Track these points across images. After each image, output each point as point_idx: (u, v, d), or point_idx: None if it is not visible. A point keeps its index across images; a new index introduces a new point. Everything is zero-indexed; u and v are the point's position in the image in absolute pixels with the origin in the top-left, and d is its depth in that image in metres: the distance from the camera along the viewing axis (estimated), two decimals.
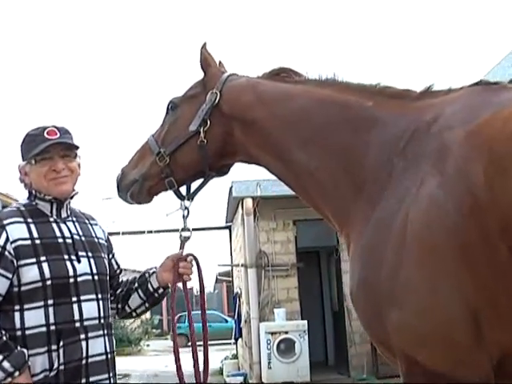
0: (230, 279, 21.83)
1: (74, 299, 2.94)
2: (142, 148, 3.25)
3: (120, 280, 3.48)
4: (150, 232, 19.47)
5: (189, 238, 3.29)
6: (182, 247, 3.32)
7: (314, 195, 2.84)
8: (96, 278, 3.08)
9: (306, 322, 14.14)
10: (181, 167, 3.13)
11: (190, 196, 3.27)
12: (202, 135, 3.02)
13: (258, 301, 15.11)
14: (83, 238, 3.14)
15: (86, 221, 3.30)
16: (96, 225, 3.35)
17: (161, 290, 3.35)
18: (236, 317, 16.97)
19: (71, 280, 2.94)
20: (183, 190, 3.29)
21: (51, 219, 3.08)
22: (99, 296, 3.07)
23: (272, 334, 13.89)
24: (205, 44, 3.20)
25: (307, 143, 2.80)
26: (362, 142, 2.63)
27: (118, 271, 3.48)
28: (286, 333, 13.94)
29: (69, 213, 3.18)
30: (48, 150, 3.04)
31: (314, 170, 2.77)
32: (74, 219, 3.20)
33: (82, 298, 2.97)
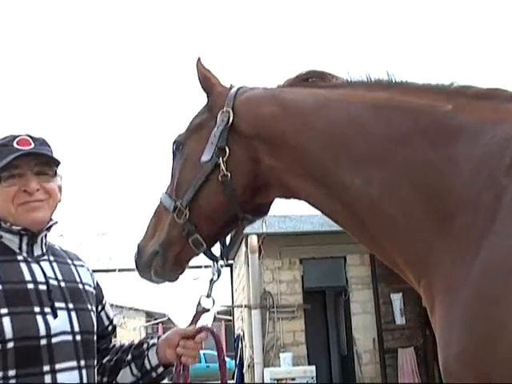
0: (229, 318, 21.35)
1: (46, 368, 2.18)
2: (155, 212, 2.63)
3: (111, 343, 2.74)
4: None
5: (208, 310, 2.59)
6: (194, 321, 2.59)
7: (377, 233, 2.14)
8: (78, 338, 2.36)
9: (313, 367, 13.61)
10: (205, 217, 2.46)
11: (225, 253, 2.60)
12: (223, 167, 2.36)
13: (263, 344, 14.58)
14: (63, 284, 2.42)
15: (69, 261, 2.60)
16: (82, 267, 2.65)
17: (160, 370, 2.60)
18: (238, 361, 16.28)
19: (43, 342, 2.21)
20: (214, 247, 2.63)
21: (20, 257, 2.34)
22: (82, 363, 2.34)
23: (278, 380, 13.13)
24: (199, 59, 2.59)
25: (362, 163, 2.14)
26: (443, 158, 1.99)
27: (110, 329, 2.76)
28: (293, 379, 13.33)
29: (44, 249, 2.45)
30: (18, 163, 2.33)
31: (375, 200, 2.09)
32: (52, 258, 2.49)
33: (58, 366, 2.23)
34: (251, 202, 2.46)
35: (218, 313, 31.68)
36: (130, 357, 2.61)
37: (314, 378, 13.27)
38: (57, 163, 2.45)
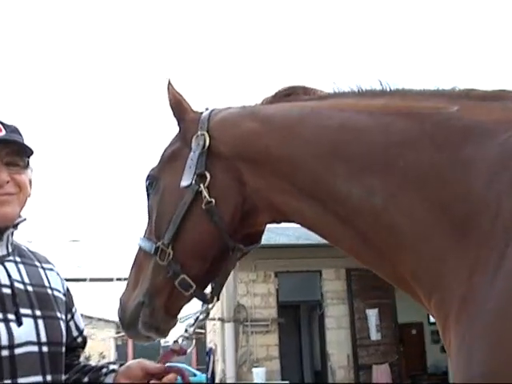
0: (201, 330, 21.06)
1: (8, 383, 1.94)
2: (135, 261, 2.36)
3: (78, 359, 2.49)
4: (120, 280, 18.19)
5: (185, 353, 2.33)
6: (163, 359, 2.30)
7: (382, 247, 1.91)
8: (45, 349, 2.12)
9: (287, 382, 13.21)
10: (192, 254, 2.21)
11: (216, 292, 2.28)
12: (206, 193, 2.15)
13: (235, 358, 14.34)
14: (30, 288, 2.18)
15: (37, 263, 2.34)
16: (51, 270, 2.39)
17: None
18: (210, 375, 16.03)
19: (5, 352, 1.98)
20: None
21: None
22: (48, 378, 2.09)
23: None
24: (169, 81, 2.37)
25: (361, 172, 1.94)
26: (453, 161, 1.81)
27: (79, 341, 2.49)
28: None
29: (10, 249, 2.22)
30: None
31: (379, 210, 1.88)
32: (18, 259, 2.25)
33: (21, 381, 1.98)
34: (241, 231, 2.23)
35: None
36: (86, 379, 2.35)
37: None
38: (29, 153, 2.21)
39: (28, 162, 2.23)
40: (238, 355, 14.37)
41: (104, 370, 2.34)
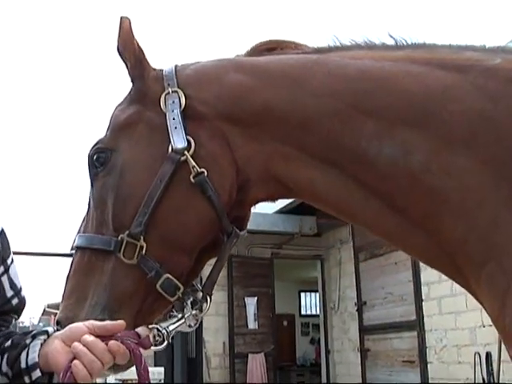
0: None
1: None
2: (76, 267, 1.80)
3: (11, 323, 1.92)
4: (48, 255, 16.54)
5: (147, 346, 1.64)
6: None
7: (419, 215, 1.65)
8: None
9: (162, 369, 12.97)
10: (175, 245, 1.76)
11: (209, 290, 1.88)
12: (192, 162, 1.73)
13: None
14: None
15: None
16: None
17: (35, 374, 1.66)
18: None
19: None
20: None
21: None
22: None
23: (123, 381, 12.22)
24: (128, 21, 1.84)
25: (395, 127, 1.65)
26: (506, 112, 1.59)
27: (14, 303, 1.94)
28: None
29: None
30: None
31: (418, 172, 1.62)
32: None
33: None
34: (231, 214, 1.84)
35: (49, 306, 30.15)
36: (8, 343, 1.76)
37: (162, 380, 12.56)
38: None
39: None
40: None
41: (27, 340, 1.72)
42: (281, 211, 15.07)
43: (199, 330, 14.89)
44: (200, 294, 1.82)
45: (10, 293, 1.91)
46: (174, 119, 1.76)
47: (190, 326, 1.77)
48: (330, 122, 1.69)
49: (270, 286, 15.39)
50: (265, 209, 15.86)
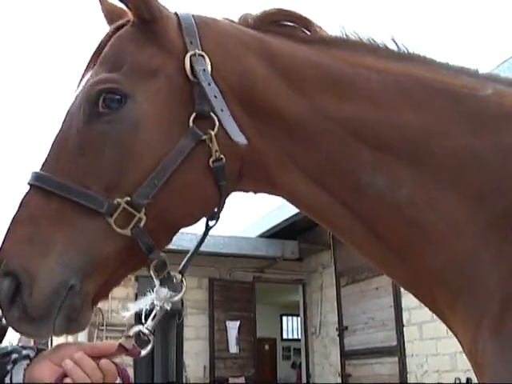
0: None
1: None
2: (38, 207, 1.57)
3: None
4: None
5: (138, 353, 1.67)
6: (108, 355, 1.61)
7: (401, 244, 1.68)
8: None
9: None
10: (172, 226, 1.70)
11: (183, 269, 1.77)
12: (216, 146, 1.62)
13: None
14: None
15: None
16: None
17: None
18: None
19: None
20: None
21: None
22: None
23: None
24: None
25: (391, 159, 1.68)
26: (496, 151, 1.64)
27: None
28: None
29: None
30: None
31: (404, 204, 1.66)
32: None
33: None
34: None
35: None
36: None
37: None
38: None
39: None
40: None
41: (13, 356, 1.66)
42: (263, 235, 15.09)
43: (179, 354, 14.85)
44: (178, 276, 1.71)
45: None
46: (216, 97, 1.61)
47: (166, 310, 1.70)
48: (329, 145, 1.69)
49: (252, 309, 15.34)
50: (247, 233, 15.89)
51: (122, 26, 1.75)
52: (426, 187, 1.63)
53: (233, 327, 14.88)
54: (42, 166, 1.62)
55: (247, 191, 1.85)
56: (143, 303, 1.70)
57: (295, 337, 22.24)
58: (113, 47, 1.71)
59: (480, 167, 1.60)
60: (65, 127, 1.66)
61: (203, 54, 1.66)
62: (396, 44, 1.79)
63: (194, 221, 1.73)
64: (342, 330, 14.11)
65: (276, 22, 1.83)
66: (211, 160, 1.61)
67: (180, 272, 1.73)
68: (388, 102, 1.69)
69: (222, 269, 15.16)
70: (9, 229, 1.55)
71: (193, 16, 1.75)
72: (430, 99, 1.69)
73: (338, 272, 14.32)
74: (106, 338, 13.81)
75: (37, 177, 1.58)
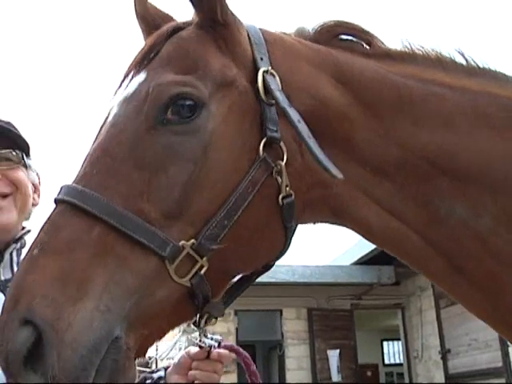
0: (145, 369, 20.30)
1: None
2: (76, 235, 1.24)
3: None
4: None
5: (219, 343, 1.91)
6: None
7: (486, 279, 1.56)
8: None
9: None
10: (234, 269, 1.50)
11: (227, 305, 1.58)
12: (286, 180, 1.44)
13: None
14: None
15: None
16: None
17: None
18: None
19: None
20: None
21: None
22: None
23: None
24: None
25: (472, 188, 1.56)
26: None
27: None
28: None
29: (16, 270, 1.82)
30: None
31: (486, 235, 1.54)
32: None
33: None
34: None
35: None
36: None
37: None
38: (25, 147, 1.84)
39: (23, 156, 1.85)
40: None
41: (148, 382, 2.07)
42: (358, 262, 15.05)
43: None
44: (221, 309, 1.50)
45: None
46: (299, 122, 1.42)
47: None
48: (405, 173, 1.58)
49: (352, 337, 15.23)
50: (342, 261, 15.89)
51: (179, 28, 1.55)
52: (509, 216, 1.52)
53: (334, 355, 14.82)
54: (81, 178, 1.32)
55: (305, 223, 1.66)
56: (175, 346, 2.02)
57: (397, 361, 21.92)
58: (180, 48, 1.48)
59: None
60: (113, 132, 1.38)
61: (274, 72, 1.48)
62: (464, 57, 1.67)
63: (254, 268, 1.56)
64: (444, 352, 13.85)
65: (338, 35, 1.69)
66: (281, 196, 1.43)
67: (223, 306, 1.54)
68: (465, 125, 1.58)
69: (319, 298, 15.18)
70: (32, 256, 1.21)
71: (260, 29, 1.60)
72: (506, 121, 1.58)
73: (436, 294, 14.06)
74: None
75: (75, 193, 1.27)
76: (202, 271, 1.31)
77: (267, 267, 1.65)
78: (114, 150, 1.32)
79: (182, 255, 1.28)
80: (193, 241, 1.30)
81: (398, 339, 17.61)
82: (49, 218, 1.27)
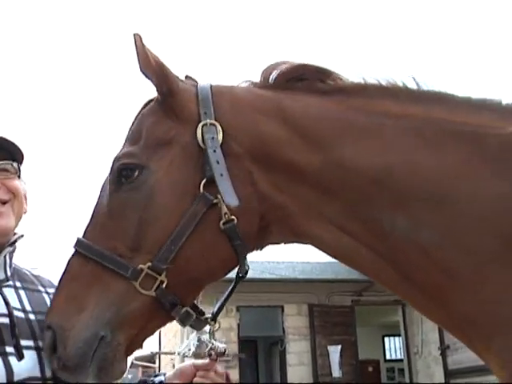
0: (150, 364, 20.47)
1: None
2: (77, 270, 1.78)
3: None
4: None
5: (224, 351, 2.17)
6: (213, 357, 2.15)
7: (431, 287, 1.68)
8: None
9: None
10: (194, 284, 1.81)
11: (216, 315, 1.92)
12: (225, 207, 1.71)
13: None
14: (32, 317, 1.95)
15: (41, 288, 2.11)
16: None
17: None
18: None
19: None
20: None
21: None
22: None
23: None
24: (139, 37, 1.78)
25: (411, 203, 1.68)
26: None
27: None
28: None
29: (9, 273, 1.99)
30: None
31: (429, 248, 1.65)
32: (18, 284, 2.02)
33: None
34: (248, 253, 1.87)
35: (136, 359, 30.42)
36: None
37: None
38: (20, 158, 2.00)
39: (19, 168, 2.00)
40: None
41: None
42: None
43: (284, 380, 15.02)
44: (204, 319, 1.86)
45: None
46: (218, 163, 1.72)
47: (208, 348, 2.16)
48: (350, 193, 1.72)
49: (353, 333, 15.39)
50: None
51: (149, 102, 1.91)
52: (451, 230, 1.62)
53: (334, 351, 14.96)
54: (83, 231, 1.83)
55: (277, 243, 1.91)
56: (188, 344, 2.22)
57: (399, 357, 22.04)
58: (137, 123, 1.88)
59: (506, 213, 1.59)
60: (100, 196, 1.86)
61: (215, 123, 1.76)
62: (416, 82, 1.78)
63: (217, 277, 1.81)
64: (443, 348, 13.99)
65: (294, 78, 1.87)
66: (221, 222, 1.69)
67: (212, 319, 1.89)
68: (404, 147, 1.70)
69: (320, 294, 15.32)
70: (57, 287, 1.80)
71: (211, 86, 1.86)
72: (448, 143, 1.68)
73: None
74: None
75: (79, 243, 1.79)
76: (164, 285, 1.70)
77: (240, 276, 1.89)
78: (98, 209, 1.84)
79: (142, 274, 1.68)
80: (149, 263, 1.68)
81: (399, 335, 17.73)
82: (68, 260, 1.81)
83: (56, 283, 1.84)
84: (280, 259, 15.37)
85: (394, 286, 1.74)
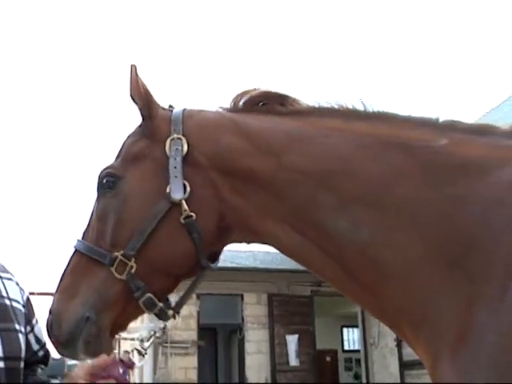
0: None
1: None
2: (73, 266, 2.08)
3: (39, 369, 2.36)
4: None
5: (132, 365, 2.29)
6: (107, 367, 2.36)
7: (368, 282, 1.86)
8: (1, 365, 2.03)
9: None
10: (159, 270, 2.02)
11: (178, 308, 2.07)
12: (185, 206, 1.95)
13: (153, 380, 14.03)
14: None
15: None
16: (10, 280, 2.29)
17: None
18: None
19: None
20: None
21: None
22: None
23: None
24: (134, 67, 2.10)
25: (351, 205, 1.87)
26: (447, 198, 1.80)
27: (40, 355, 2.37)
28: None
29: None
30: None
31: (366, 246, 1.83)
32: None
33: None
34: (209, 249, 2.05)
35: None
36: None
37: None
38: None
39: None
40: (156, 376, 14.09)
41: None
42: None
43: (242, 368, 15.17)
44: (171, 312, 2.02)
45: (36, 347, 2.32)
46: (175, 168, 2.01)
47: (158, 337, 2.27)
48: (298, 194, 1.91)
49: (311, 323, 15.59)
50: None
51: (138, 127, 2.21)
52: (384, 230, 1.79)
53: (292, 341, 15.14)
54: (82, 234, 2.13)
55: (240, 242, 2.12)
56: (147, 342, 2.28)
57: (357, 348, 22.34)
58: (123, 143, 2.19)
59: (433, 215, 1.76)
60: (94, 203, 2.17)
61: (181, 137, 2.05)
62: (363, 105, 2.00)
63: (182, 270, 2.04)
64: (399, 340, 14.20)
65: (258, 102, 2.15)
66: (182, 218, 1.95)
67: (174, 310, 2.03)
68: (345, 154, 1.91)
69: (280, 284, 15.48)
70: (59, 280, 2.08)
71: (183, 110, 2.16)
72: (384, 152, 1.88)
73: None
74: (170, 354, 14.29)
75: (77, 243, 2.10)
76: (133, 270, 1.96)
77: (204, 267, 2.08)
78: (92, 213, 2.14)
79: (117, 261, 1.96)
80: (122, 251, 1.96)
81: (357, 326, 17.97)
82: (69, 258, 2.09)
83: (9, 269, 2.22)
84: (241, 248, 15.49)
85: (337, 280, 1.90)
